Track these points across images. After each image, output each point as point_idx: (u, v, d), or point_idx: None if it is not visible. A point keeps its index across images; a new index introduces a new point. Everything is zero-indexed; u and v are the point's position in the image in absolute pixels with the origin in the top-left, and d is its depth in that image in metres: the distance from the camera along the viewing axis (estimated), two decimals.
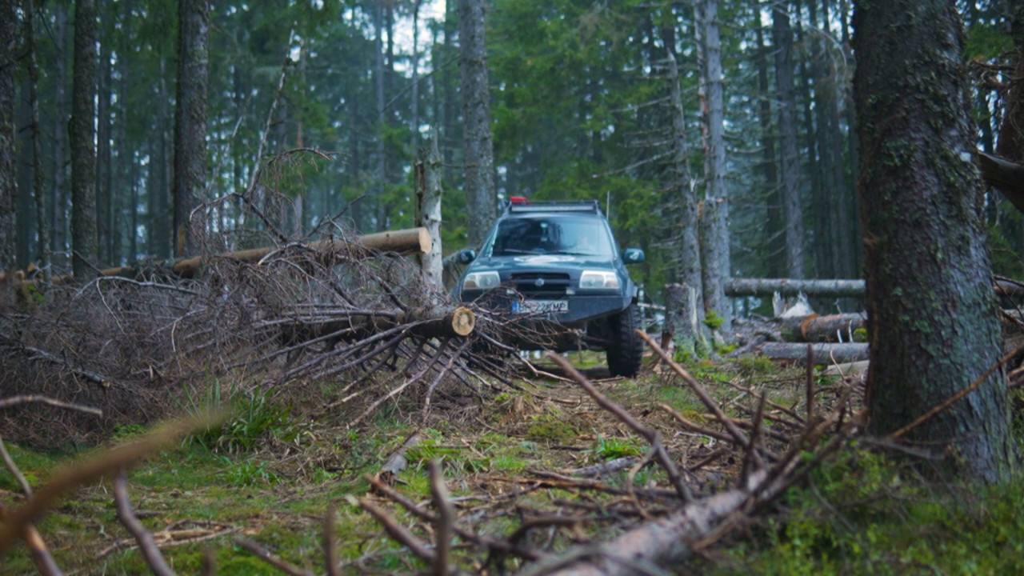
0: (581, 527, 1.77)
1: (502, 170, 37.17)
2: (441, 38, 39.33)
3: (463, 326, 5.49)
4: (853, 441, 2.33)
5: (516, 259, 9.16)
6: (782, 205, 25.64)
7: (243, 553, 2.50)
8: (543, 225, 10.29)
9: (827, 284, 18.40)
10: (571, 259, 9.17)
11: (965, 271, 2.55)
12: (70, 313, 5.69)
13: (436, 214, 9.60)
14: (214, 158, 23.92)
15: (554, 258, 9.27)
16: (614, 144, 24.95)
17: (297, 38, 22.32)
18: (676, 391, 6.79)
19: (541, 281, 8.44)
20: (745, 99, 31.17)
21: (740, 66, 29.52)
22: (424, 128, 37.76)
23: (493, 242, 10.04)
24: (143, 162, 37.79)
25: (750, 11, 26.36)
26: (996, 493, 2.29)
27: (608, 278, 8.48)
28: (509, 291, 7.69)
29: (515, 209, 10.69)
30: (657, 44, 25.82)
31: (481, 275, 8.65)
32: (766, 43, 28.00)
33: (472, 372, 6.28)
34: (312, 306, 5.94)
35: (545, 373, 6.49)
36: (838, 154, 27.56)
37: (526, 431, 4.72)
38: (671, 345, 9.89)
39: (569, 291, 8.33)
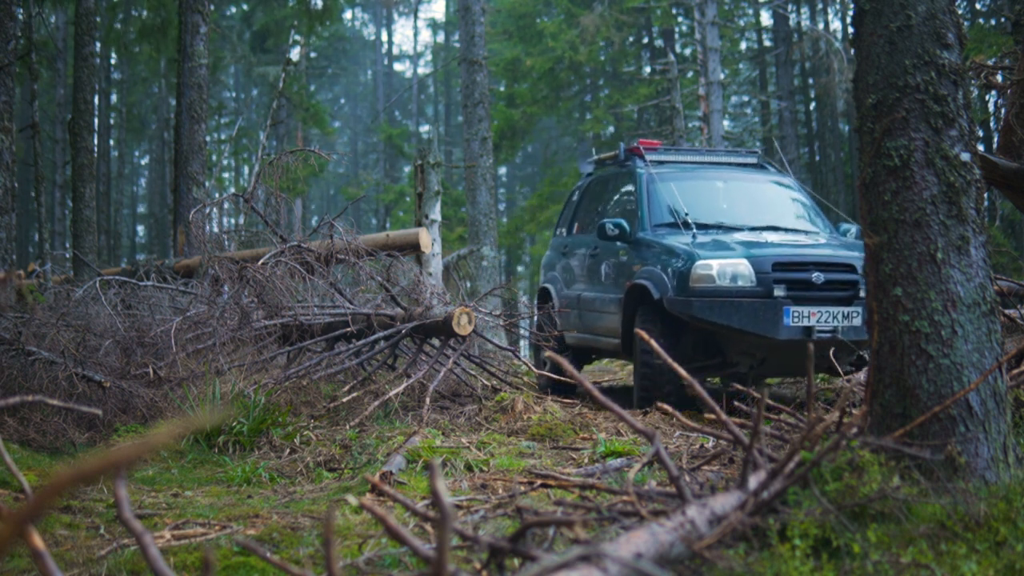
0: (581, 527, 1.77)
1: (502, 170, 37.14)
2: (441, 38, 39.31)
3: (463, 326, 5.49)
4: (853, 441, 2.33)
5: (735, 237, 5.95)
6: None
7: (243, 553, 2.51)
8: (719, 184, 6.90)
9: None
10: (823, 240, 6.24)
11: (965, 271, 2.55)
12: (70, 313, 5.69)
13: (436, 214, 9.60)
14: (214, 158, 23.89)
15: (802, 239, 6.19)
16: (614, 144, 24.91)
17: (297, 38, 22.30)
18: None
19: (820, 276, 5.46)
20: (745, 99, 31.15)
21: (740, 66, 29.49)
22: (424, 128, 37.73)
23: (647, 208, 6.40)
24: (143, 162, 37.77)
25: (750, 11, 26.35)
26: (996, 493, 2.30)
27: None
28: (778, 292, 5.36)
29: (653, 159, 6.85)
30: (657, 44, 25.81)
31: (721, 264, 5.48)
32: (766, 43, 27.97)
33: (470, 372, 6.27)
34: (312, 306, 5.94)
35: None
36: (838, 154, 27.53)
37: (526, 431, 4.72)
38: None
39: (862, 292, 5.41)
